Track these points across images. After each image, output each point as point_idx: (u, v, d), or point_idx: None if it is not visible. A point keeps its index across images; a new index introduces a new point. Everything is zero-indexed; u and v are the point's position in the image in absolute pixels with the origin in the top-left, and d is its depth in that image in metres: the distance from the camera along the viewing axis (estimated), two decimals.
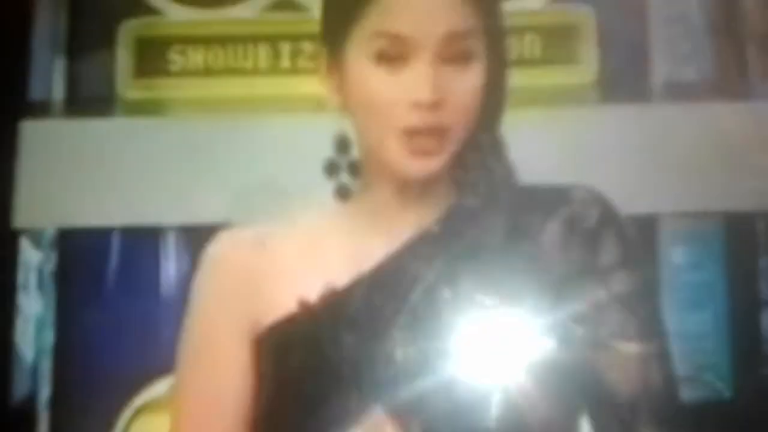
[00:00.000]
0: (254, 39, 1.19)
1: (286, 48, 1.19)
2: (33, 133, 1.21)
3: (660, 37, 1.13)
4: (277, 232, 1.02)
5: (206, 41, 1.20)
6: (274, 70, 1.18)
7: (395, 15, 0.96)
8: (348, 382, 0.90)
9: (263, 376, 0.94)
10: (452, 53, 0.95)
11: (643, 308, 0.94)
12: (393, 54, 0.95)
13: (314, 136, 1.13)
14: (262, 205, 1.17)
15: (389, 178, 0.99)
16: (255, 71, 1.19)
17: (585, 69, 1.14)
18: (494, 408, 0.92)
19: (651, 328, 0.95)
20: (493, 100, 1.04)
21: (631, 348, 0.91)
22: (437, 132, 0.93)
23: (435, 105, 0.93)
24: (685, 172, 1.11)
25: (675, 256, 1.08)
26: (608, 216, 0.94)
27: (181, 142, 1.18)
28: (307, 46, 1.19)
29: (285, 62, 1.18)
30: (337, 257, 0.97)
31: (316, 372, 0.91)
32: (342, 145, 1.03)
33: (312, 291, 0.93)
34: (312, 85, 1.14)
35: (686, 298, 1.08)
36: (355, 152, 1.04)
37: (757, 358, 1.07)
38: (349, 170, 1.03)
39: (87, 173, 1.18)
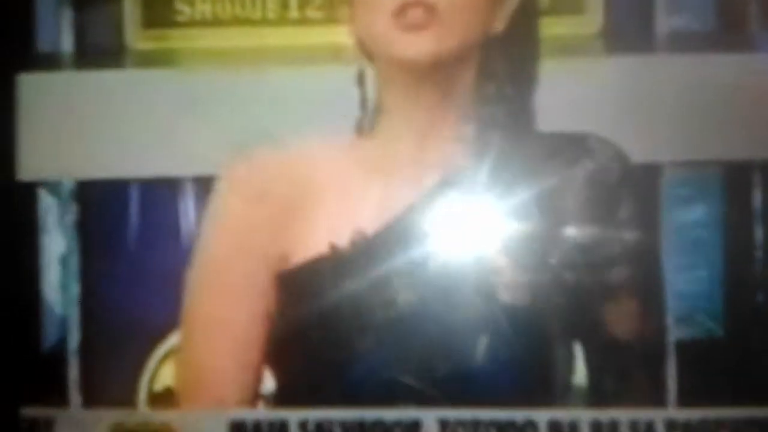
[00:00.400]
0: None
1: None
2: (41, 84, 1.22)
3: None
4: (299, 161, 1.04)
5: None
6: (282, 20, 1.18)
7: None
8: (367, 330, 0.95)
9: (283, 311, 0.98)
10: None
11: (650, 261, 1.01)
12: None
13: (324, 86, 1.15)
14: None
15: (401, 88, 1.00)
16: (263, 21, 1.19)
17: (591, 19, 1.15)
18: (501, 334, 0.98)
19: (654, 280, 1.02)
20: (514, 27, 1.05)
21: (634, 298, 0.98)
22: (424, 4, 0.95)
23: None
24: (686, 122, 1.14)
25: (675, 202, 1.12)
26: (627, 172, 1.00)
27: (190, 93, 1.19)
28: None
29: (293, 12, 1.18)
30: (364, 197, 1.00)
31: (338, 316, 0.96)
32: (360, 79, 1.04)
33: (341, 232, 0.96)
34: (321, 36, 1.15)
35: (684, 241, 1.14)
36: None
37: (746, 299, 1.14)
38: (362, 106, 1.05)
39: (98, 124, 1.20)
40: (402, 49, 0.97)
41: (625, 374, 0.98)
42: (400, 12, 0.97)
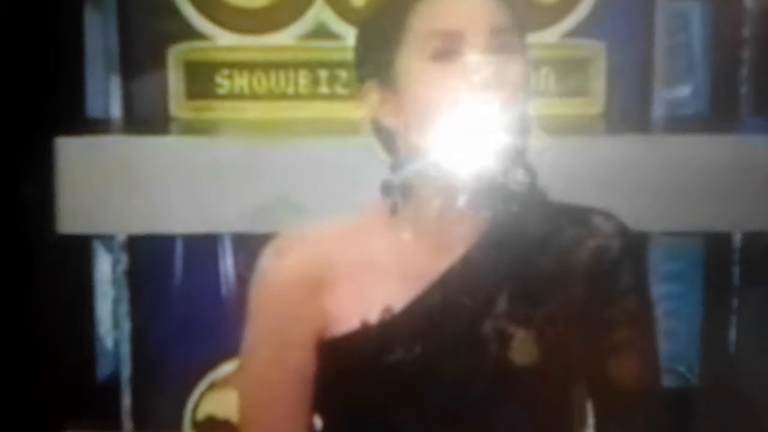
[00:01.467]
0: (294, 65, 1.29)
1: (324, 74, 1.29)
2: (92, 147, 1.32)
3: (662, 74, 1.24)
4: (330, 241, 1.15)
5: (251, 66, 1.30)
6: (313, 95, 1.29)
7: (444, 15, 1.08)
8: (401, 399, 1.09)
9: (324, 376, 1.12)
10: (498, 45, 1.07)
11: (646, 321, 1.13)
12: (447, 49, 1.07)
13: (352, 157, 1.26)
14: (298, 219, 1.30)
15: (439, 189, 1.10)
16: (296, 96, 1.30)
17: (594, 101, 1.25)
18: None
19: (652, 338, 1.14)
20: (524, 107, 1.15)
21: (636, 354, 1.11)
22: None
23: (492, 84, 1.05)
24: (676, 196, 1.25)
25: (662, 267, 1.25)
26: (628, 246, 1.11)
27: (227, 159, 1.30)
28: (343, 73, 1.29)
29: (323, 88, 1.28)
30: (391, 273, 1.11)
31: (372, 385, 1.09)
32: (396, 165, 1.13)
33: (371, 306, 1.08)
34: (349, 110, 1.25)
35: (667, 303, 1.27)
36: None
37: (720, 354, 1.27)
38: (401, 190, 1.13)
39: (146, 185, 1.30)
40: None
41: (632, 421, 1.11)
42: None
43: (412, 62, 1.09)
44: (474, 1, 1.07)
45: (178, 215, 1.34)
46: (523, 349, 1.06)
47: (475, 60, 1.06)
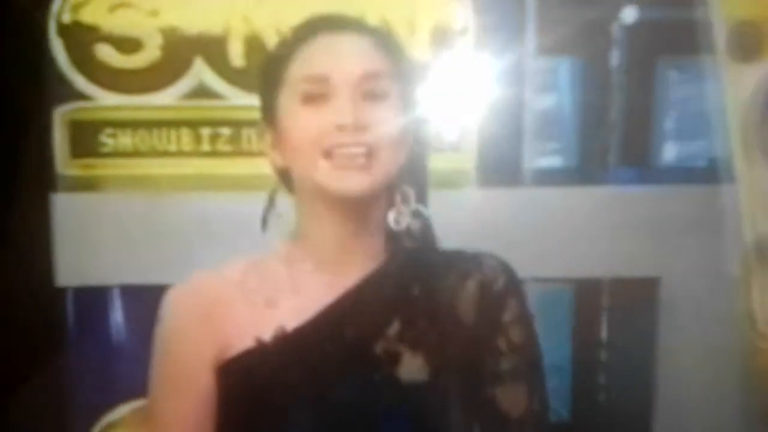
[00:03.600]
0: (177, 124, 1.32)
1: (206, 132, 1.32)
2: None
3: (532, 129, 1.29)
4: (229, 272, 1.20)
5: (134, 125, 1.33)
6: (196, 152, 1.32)
7: (316, 60, 1.12)
8: (297, 416, 1.14)
9: (225, 398, 1.17)
10: (369, 90, 1.11)
11: (531, 353, 1.19)
12: (317, 94, 1.12)
13: (234, 210, 1.29)
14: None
15: (327, 214, 1.15)
16: (179, 153, 1.33)
17: (466, 157, 1.30)
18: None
19: (536, 368, 1.20)
20: (415, 153, 1.19)
21: (521, 383, 1.16)
22: (363, 147, 1.10)
23: (357, 128, 1.09)
24: (548, 244, 1.31)
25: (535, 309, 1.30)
26: (512, 283, 1.16)
27: (114, 215, 1.34)
28: (225, 131, 1.32)
29: (206, 146, 1.32)
30: (287, 300, 1.16)
31: (268, 403, 1.14)
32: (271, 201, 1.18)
33: (266, 328, 1.13)
34: (231, 167, 1.29)
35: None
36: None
37: (591, 391, 1.33)
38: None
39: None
40: (336, 183, 1.09)
41: None
42: (339, 148, 1.10)
43: (287, 104, 1.14)
44: (346, 48, 1.11)
45: (67, 268, 1.38)
46: (411, 369, 1.12)
47: (340, 104, 1.10)
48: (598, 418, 1.35)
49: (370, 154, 1.13)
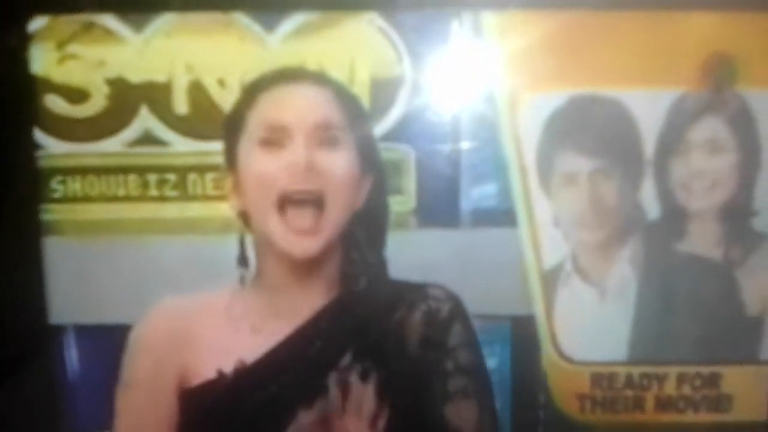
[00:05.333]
0: (124, 170, 1.36)
1: (152, 178, 1.36)
2: None
3: (469, 172, 1.33)
4: (193, 305, 1.25)
5: (83, 171, 1.37)
6: (143, 197, 1.36)
7: (274, 108, 1.18)
8: None
9: (187, 424, 1.21)
10: (324, 138, 1.17)
11: (478, 373, 1.23)
12: (274, 140, 1.17)
13: (186, 255, 1.33)
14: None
15: (280, 261, 1.21)
16: (126, 198, 1.37)
17: (406, 199, 1.34)
18: None
19: (484, 387, 1.25)
20: (372, 199, 1.24)
21: (471, 401, 1.21)
22: (313, 194, 1.15)
23: (308, 169, 1.15)
24: (481, 283, 1.34)
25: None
26: (457, 309, 1.22)
27: (67, 257, 1.37)
28: (171, 177, 1.36)
29: (153, 191, 1.35)
30: (246, 333, 1.22)
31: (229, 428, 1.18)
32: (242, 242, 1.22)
33: (226, 360, 1.18)
34: (179, 211, 1.33)
35: None
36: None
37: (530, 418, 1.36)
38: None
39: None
40: (288, 246, 1.15)
41: None
42: (290, 202, 1.15)
43: (246, 149, 1.20)
44: (304, 98, 1.17)
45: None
46: (363, 396, 1.17)
47: (293, 147, 1.15)
48: None
49: (320, 202, 1.19)
